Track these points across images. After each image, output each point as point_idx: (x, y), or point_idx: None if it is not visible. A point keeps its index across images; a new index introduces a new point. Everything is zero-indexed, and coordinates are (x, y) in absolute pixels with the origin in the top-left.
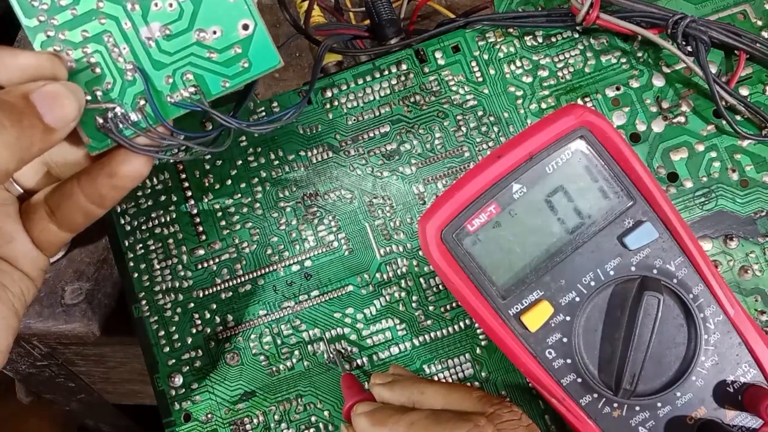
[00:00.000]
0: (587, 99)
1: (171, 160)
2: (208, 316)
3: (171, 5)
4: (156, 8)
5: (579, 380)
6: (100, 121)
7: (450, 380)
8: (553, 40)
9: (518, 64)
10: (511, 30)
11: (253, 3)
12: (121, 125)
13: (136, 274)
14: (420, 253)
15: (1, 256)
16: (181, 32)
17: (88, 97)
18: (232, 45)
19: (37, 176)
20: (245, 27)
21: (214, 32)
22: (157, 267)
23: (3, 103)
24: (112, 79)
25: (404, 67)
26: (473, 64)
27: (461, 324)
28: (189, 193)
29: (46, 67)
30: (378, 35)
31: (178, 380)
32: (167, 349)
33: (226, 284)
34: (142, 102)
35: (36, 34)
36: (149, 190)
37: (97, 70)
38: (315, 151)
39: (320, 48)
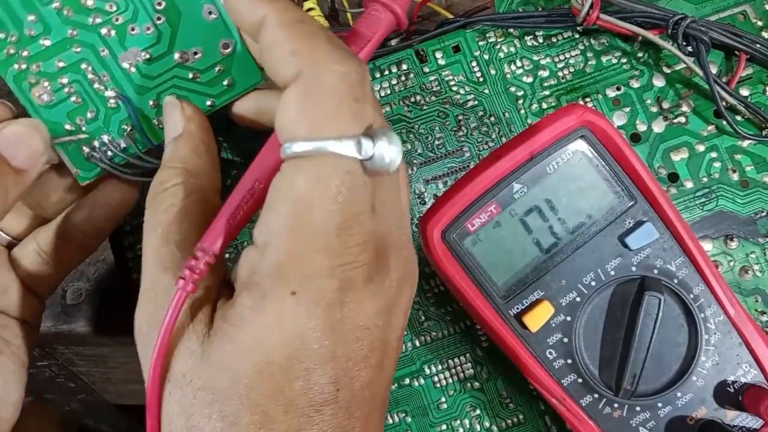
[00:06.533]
0: (588, 99)
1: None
2: None
3: (149, 29)
4: (133, 32)
5: (579, 380)
6: (87, 150)
7: (450, 381)
8: (554, 40)
9: (519, 64)
10: (511, 30)
11: (232, 21)
12: (110, 153)
13: (136, 275)
14: (420, 253)
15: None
16: (162, 55)
17: (71, 128)
18: (215, 65)
19: (22, 220)
20: (226, 46)
21: (195, 53)
22: None
23: None
24: (95, 107)
25: (404, 67)
26: (473, 64)
27: (462, 324)
28: None
29: None
30: None
31: None
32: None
33: None
34: (129, 128)
35: (7, 68)
36: None
37: (78, 99)
38: None
39: None
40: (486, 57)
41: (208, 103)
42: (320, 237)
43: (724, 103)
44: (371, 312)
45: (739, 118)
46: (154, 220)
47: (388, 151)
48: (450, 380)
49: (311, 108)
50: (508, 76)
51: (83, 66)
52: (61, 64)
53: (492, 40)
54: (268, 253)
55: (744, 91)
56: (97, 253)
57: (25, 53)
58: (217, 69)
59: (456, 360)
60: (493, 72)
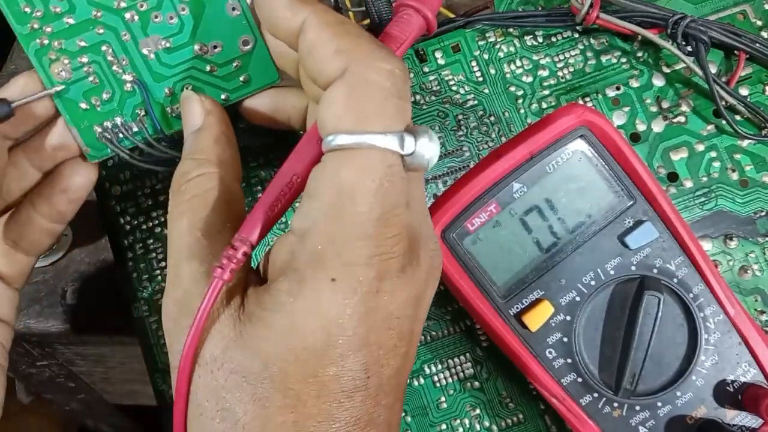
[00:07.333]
0: (587, 99)
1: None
2: None
3: (172, 18)
4: (156, 20)
5: (579, 380)
6: (99, 130)
7: (450, 380)
8: (553, 39)
9: (518, 63)
10: (511, 30)
11: (253, 19)
12: (121, 135)
13: (135, 274)
14: None
15: None
16: (182, 45)
17: (86, 107)
18: (233, 60)
19: None
20: (245, 43)
21: (215, 47)
22: (157, 267)
23: None
24: (111, 89)
25: None
26: (473, 63)
27: (462, 324)
28: None
29: None
30: (378, 35)
31: None
32: (167, 349)
33: None
34: (142, 113)
35: (30, 42)
36: (149, 190)
37: (96, 80)
38: None
39: None
40: (486, 57)
41: (223, 97)
42: (360, 226)
43: (723, 103)
44: (403, 302)
45: (738, 117)
46: (179, 210)
47: (429, 148)
48: (450, 380)
49: (357, 103)
50: (508, 75)
51: (104, 48)
52: (83, 44)
53: (492, 39)
54: (308, 240)
55: (743, 91)
56: (97, 253)
57: (48, 29)
58: (234, 64)
59: (456, 360)
60: (492, 72)
